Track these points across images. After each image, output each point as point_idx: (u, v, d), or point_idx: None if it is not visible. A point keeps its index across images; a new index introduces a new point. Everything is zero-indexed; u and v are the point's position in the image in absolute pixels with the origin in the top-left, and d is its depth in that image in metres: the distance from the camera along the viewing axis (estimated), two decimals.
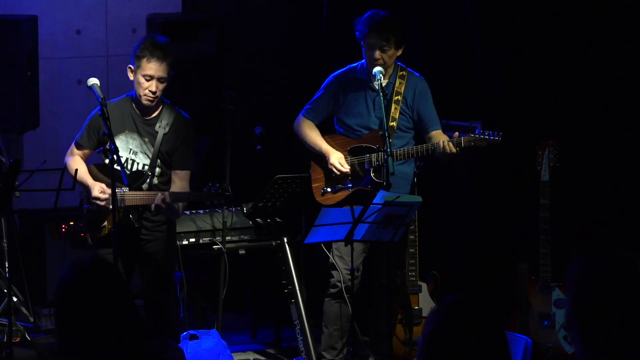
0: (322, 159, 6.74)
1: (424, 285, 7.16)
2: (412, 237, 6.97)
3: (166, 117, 6.38)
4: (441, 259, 7.44)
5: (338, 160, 6.65)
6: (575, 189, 6.93)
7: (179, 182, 6.37)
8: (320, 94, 6.82)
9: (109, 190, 6.21)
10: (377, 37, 6.53)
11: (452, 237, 7.57)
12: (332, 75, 6.84)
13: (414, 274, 7.06)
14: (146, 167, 6.35)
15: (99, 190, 6.23)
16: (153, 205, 6.22)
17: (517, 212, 7.10)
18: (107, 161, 6.12)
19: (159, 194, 6.22)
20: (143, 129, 6.35)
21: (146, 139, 6.34)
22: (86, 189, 6.36)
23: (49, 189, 6.65)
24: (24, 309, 7.54)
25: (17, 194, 6.89)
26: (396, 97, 6.67)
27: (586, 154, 6.92)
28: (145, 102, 6.28)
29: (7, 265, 7.06)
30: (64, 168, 6.34)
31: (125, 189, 6.25)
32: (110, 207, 6.14)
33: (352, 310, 6.68)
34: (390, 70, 6.69)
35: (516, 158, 7.03)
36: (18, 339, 7.12)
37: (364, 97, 6.70)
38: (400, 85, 6.68)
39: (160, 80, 6.25)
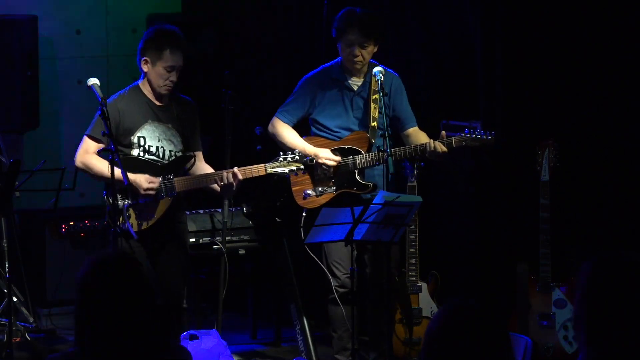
0: None
1: (424, 285, 7.15)
2: (412, 237, 6.96)
3: (177, 102, 6.43)
4: (441, 259, 7.44)
5: (327, 155, 6.59)
6: (575, 189, 6.93)
7: (199, 162, 6.46)
8: (294, 97, 6.74)
9: (157, 179, 6.24)
10: (359, 33, 6.48)
11: (452, 237, 7.56)
12: (305, 76, 6.75)
13: (414, 274, 7.06)
14: (174, 153, 6.36)
15: (147, 180, 6.21)
16: (223, 183, 6.23)
17: (517, 212, 7.09)
18: (134, 153, 6.19)
19: (224, 172, 6.25)
20: (164, 117, 6.37)
21: (170, 125, 6.37)
22: (119, 183, 6.30)
23: (49, 189, 6.65)
24: (24, 309, 7.54)
25: (17, 194, 6.89)
26: (374, 96, 6.60)
27: (586, 154, 6.91)
28: (165, 92, 6.32)
29: (7, 265, 7.06)
30: (64, 168, 6.31)
31: (171, 176, 6.27)
32: (162, 196, 6.23)
33: (352, 310, 6.66)
34: (365, 69, 6.64)
35: (516, 158, 7.02)
36: (18, 339, 7.12)
37: (341, 97, 6.64)
38: (376, 84, 6.61)
39: (178, 69, 6.29)
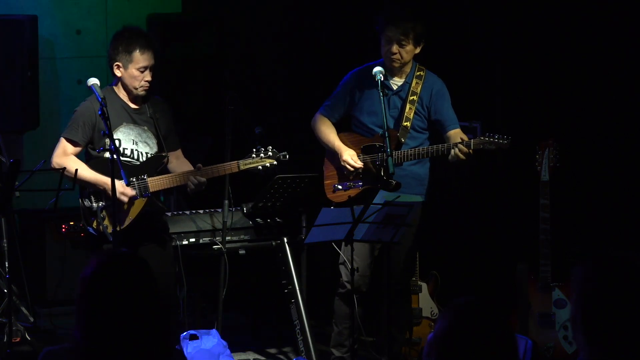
0: (335, 156, 6.70)
1: (424, 285, 7.16)
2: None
3: (151, 103, 6.45)
4: (441, 259, 7.44)
5: (351, 157, 6.60)
6: (575, 189, 6.93)
7: (177, 160, 6.49)
8: (337, 92, 6.76)
9: (132, 191, 6.26)
10: (396, 31, 6.45)
11: (452, 237, 7.57)
12: (349, 72, 6.77)
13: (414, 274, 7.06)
14: (150, 155, 6.39)
15: (122, 184, 6.19)
16: (192, 183, 6.29)
17: (517, 212, 7.10)
18: (107, 155, 6.17)
19: (190, 174, 6.30)
20: (139, 119, 6.39)
21: (145, 127, 6.39)
22: (94, 186, 6.32)
23: (49, 189, 6.64)
24: (24, 309, 7.54)
25: (17, 194, 6.89)
26: (412, 97, 6.60)
27: (586, 154, 6.92)
28: (142, 92, 6.35)
29: (7, 265, 7.06)
30: (64, 168, 6.32)
31: (144, 176, 6.30)
32: (137, 196, 6.27)
33: (358, 309, 6.66)
34: (407, 70, 6.62)
35: (516, 158, 7.03)
36: (18, 339, 7.12)
37: (378, 95, 6.63)
38: (416, 86, 6.60)
39: (151, 68, 6.29)
